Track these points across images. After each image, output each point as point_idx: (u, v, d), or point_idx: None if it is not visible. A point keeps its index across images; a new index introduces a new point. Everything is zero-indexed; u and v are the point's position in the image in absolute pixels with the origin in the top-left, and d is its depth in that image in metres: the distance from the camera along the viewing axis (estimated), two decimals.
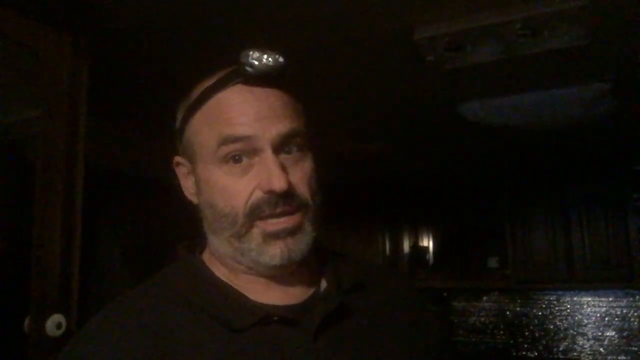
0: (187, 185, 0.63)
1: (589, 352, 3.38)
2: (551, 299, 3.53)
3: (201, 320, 0.54)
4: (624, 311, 3.32)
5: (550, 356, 3.48)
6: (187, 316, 0.55)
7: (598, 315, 3.39)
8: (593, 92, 1.88)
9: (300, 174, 0.57)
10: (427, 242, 3.94)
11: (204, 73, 0.61)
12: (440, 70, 1.63)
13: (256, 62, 0.56)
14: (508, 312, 3.64)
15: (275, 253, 0.55)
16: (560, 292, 3.49)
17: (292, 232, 0.56)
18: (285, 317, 0.56)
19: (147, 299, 0.57)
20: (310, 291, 0.61)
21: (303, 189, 0.57)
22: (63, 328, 1.08)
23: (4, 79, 1.17)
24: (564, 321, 3.48)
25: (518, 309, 3.61)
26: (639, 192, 3.15)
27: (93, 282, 1.93)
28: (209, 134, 0.57)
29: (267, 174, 0.54)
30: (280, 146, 0.56)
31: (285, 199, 0.55)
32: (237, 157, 0.56)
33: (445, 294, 3.78)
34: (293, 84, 0.60)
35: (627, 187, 3.15)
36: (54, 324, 1.07)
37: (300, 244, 0.56)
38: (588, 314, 3.42)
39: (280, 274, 0.59)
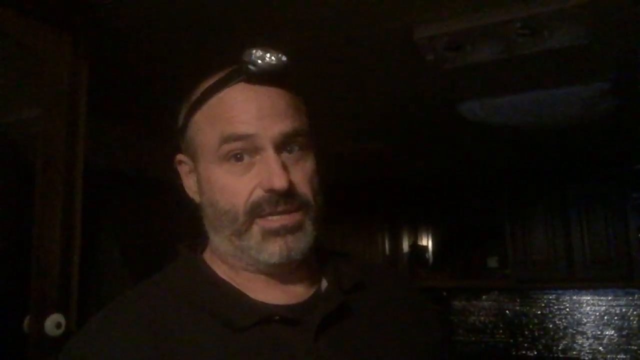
0: (189, 184, 0.63)
1: (588, 351, 3.39)
2: (551, 298, 3.53)
3: (202, 320, 0.54)
4: (624, 310, 3.33)
5: (550, 355, 3.48)
6: (188, 315, 0.55)
7: (597, 314, 3.39)
8: (593, 92, 1.88)
9: (301, 174, 0.57)
10: (427, 242, 3.94)
11: (204, 72, 0.61)
12: (440, 70, 1.63)
13: (259, 61, 0.56)
14: (508, 312, 3.64)
15: (274, 251, 0.55)
16: (560, 291, 3.50)
17: (292, 230, 0.56)
18: (286, 316, 0.56)
19: (148, 298, 0.57)
20: (311, 291, 0.61)
21: (304, 189, 0.57)
22: (62, 328, 1.08)
23: (3, 79, 1.17)
24: (564, 320, 3.48)
25: (518, 308, 3.62)
26: (638, 192, 3.15)
27: (93, 281, 1.93)
28: (210, 132, 0.57)
29: (268, 173, 0.54)
30: (282, 145, 0.56)
31: (286, 198, 0.55)
32: (238, 156, 0.56)
33: (444, 294, 3.78)
34: (296, 83, 0.60)
35: (627, 186, 3.16)
36: (54, 323, 1.07)
37: (300, 243, 0.56)
38: (588, 313, 3.42)
39: (281, 273, 0.59)
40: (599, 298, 3.39)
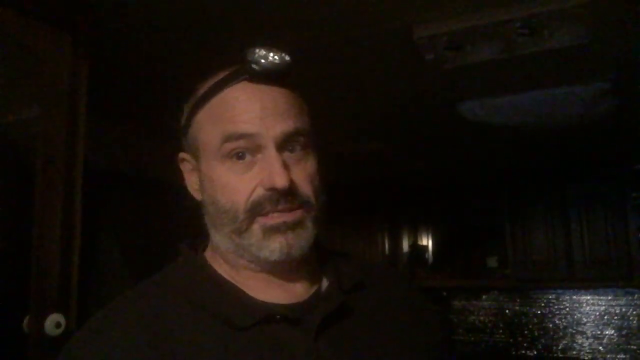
0: (191, 182, 0.63)
1: (588, 351, 3.39)
2: (550, 297, 3.53)
3: (202, 319, 0.54)
4: (623, 310, 3.33)
5: (550, 355, 3.48)
6: (188, 314, 0.55)
7: (597, 313, 3.39)
8: (593, 92, 1.88)
9: (303, 173, 0.57)
10: (427, 242, 3.94)
11: (204, 72, 0.61)
12: (440, 70, 1.63)
13: (262, 60, 0.56)
14: (507, 311, 3.64)
15: (274, 247, 0.55)
16: (559, 291, 3.50)
17: (292, 226, 0.56)
18: (286, 316, 0.56)
19: (148, 298, 0.57)
20: (311, 290, 0.61)
21: (305, 188, 0.57)
22: (62, 327, 1.08)
23: (3, 79, 1.17)
24: (564, 320, 3.48)
25: (517, 308, 3.62)
26: (638, 192, 3.15)
27: (92, 281, 1.93)
28: (213, 130, 0.57)
29: (269, 171, 0.55)
30: (284, 144, 0.56)
31: (287, 197, 0.55)
32: (240, 154, 0.56)
33: (444, 293, 3.78)
34: (299, 83, 0.60)
35: (627, 186, 3.16)
36: (53, 323, 1.07)
37: (300, 240, 0.56)
38: (587, 313, 3.42)
39: (282, 272, 0.60)
40: (599, 298, 3.39)
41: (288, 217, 0.56)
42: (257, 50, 0.56)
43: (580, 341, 3.42)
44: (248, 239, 0.56)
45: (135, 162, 2.27)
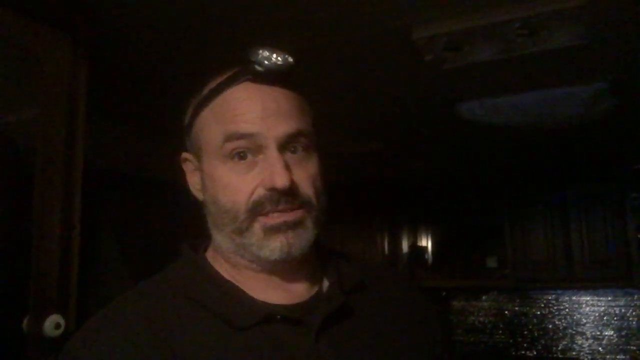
0: (193, 182, 0.64)
1: (587, 352, 3.39)
2: (550, 298, 3.53)
3: (203, 319, 0.55)
4: (623, 310, 3.33)
5: (549, 355, 3.48)
6: (189, 314, 0.55)
7: (597, 314, 3.39)
8: (593, 92, 1.88)
9: (304, 174, 0.58)
10: (426, 242, 3.94)
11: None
12: (440, 70, 1.63)
13: (266, 61, 0.56)
14: (507, 312, 3.64)
15: (275, 247, 0.56)
16: (559, 292, 3.50)
17: (293, 226, 0.56)
18: (287, 316, 0.56)
19: (149, 297, 0.57)
20: (312, 291, 0.62)
21: (306, 188, 0.57)
22: (62, 328, 1.07)
23: (3, 79, 1.17)
24: (563, 320, 3.49)
25: (517, 308, 3.62)
26: (637, 192, 3.15)
27: (92, 282, 1.93)
28: (215, 130, 0.57)
29: (270, 172, 0.55)
30: (286, 145, 0.57)
31: (287, 197, 0.55)
32: (241, 154, 0.56)
33: (444, 294, 3.78)
34: (302, 84, 0.60)
35: (626, 186, 3.16)
36: (53, 324, 1.06)
37: (301, 239, 0.57)
38: (587, 313, 3.42)
39: (282, 272, 0.60)
40: (598, 298, 3.39)
41: (288, 217, 0.56)
42: (261, 51, 0.56)
43: (579, 342, 3.42)
44: (249, 239, 0.56)
45: (135, 162, 2.27)
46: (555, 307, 3.52)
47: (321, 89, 1.82)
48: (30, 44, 1.12)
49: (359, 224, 3.77)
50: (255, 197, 0.56)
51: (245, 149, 0.56)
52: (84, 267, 1.19)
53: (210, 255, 0.63)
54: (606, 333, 3.35)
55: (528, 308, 3.59)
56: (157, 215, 2.28)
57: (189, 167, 0.64)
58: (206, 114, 0.59)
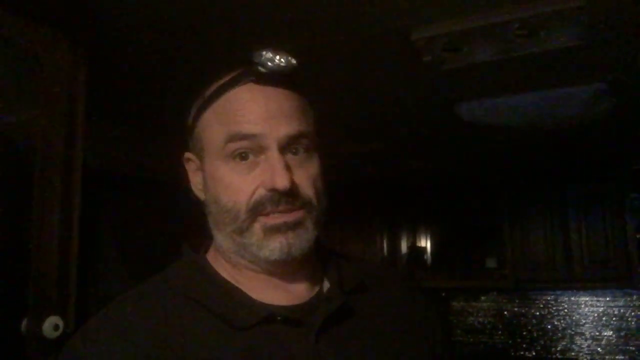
0: (195, 181, 0.64)
1: (586, 352, 3.39)
2: (549, 298, 3.53)
3: (203, 319, 0.55)
4: (622, 311, 3.33)
5: (549, 356, 3.48)
6: (189, 314, 0.55)
7: (596, 314, 3.40)
8: (592, 92, 1.88)
9: (305, 175, 0.58)
10: (425, 242, 3.94)
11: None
12: (439, 71, 1.63)
13: (269, 63, 0.57)
14: (506, 312, 3.64)
15: (275, 247, 0.56)
16: (558, 292, 3.50)
17: (293, 226, 0.56)
18: (287, 317, 0.56)
19: (149, 297, 0.58)
20: (313, 291, 0.62)
21: (307, 190, 0.58)
22: (60, 330, 1.07)
23: (2, 79, 1.17)
24: (562, 321, 3.49)
25: (516, 309, 3.62)
26: (637, 192, 3.15)
27: (91, 283, 1.93)
28: (217, 130, 0.58)
29: (271, 172, 0.55)
30: (287, 146, 0.57)
31: (288, 198, 0.56)
32: (243, 155, 0.57)
33: (443, 294, 3.78)
34: (304, 86, 0.61)
35: (626, 186, 3.16)
36: (52, 325, 1.06)
37: (300, 240, 0.57)
38: (586, 314, 3.43)
39: (283, 272, 0.60)
40: (598, 299, 3.39)
41: (288, 218, 0.56)
42: (264, 53, 0.57)
43: (579, 342, 3.42)
44: (249, 238, 0.57)
45: (135, 162, 2.26)
46: (554, 308, 3.52)
47: (320, 89, 1.82)
48: (29, 44, 1.12)
49: (359, 224, 3.77)
50: (256, 197, 0.56)
51: (247, 150, 0.56)
52: (83, 268, 1.18)
53: (211, 255, 0.63)
54: (605, 333, 3.35)
55: (527, 308, 3.59)
56: (156, 215, 2.28)
57: (191, 167, 0.64)
58: (209, 114, 0.59)
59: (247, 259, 0.59)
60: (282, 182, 0.54)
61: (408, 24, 1.39)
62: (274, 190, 0.55)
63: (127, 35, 1.41)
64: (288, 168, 0.56)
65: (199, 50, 1.50)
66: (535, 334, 3.54)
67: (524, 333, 3.57)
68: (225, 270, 0.61)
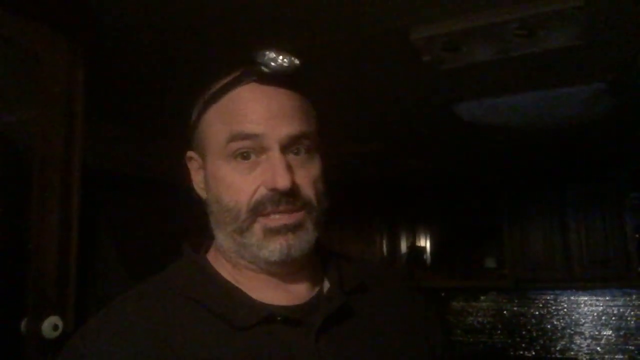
0: (197, 180, 0.64)
1: (586, 352, 3.39)
2: (548, 298, 3.53)
3: (204, 319, 0.55)
4: (621, 310, 3.33)
5: (548, 355, 3.48)
6: (189, 314, 0.55)
7: (595, 314, 3.40)
8: (592, 92, 1.88)
9: (306, 176, 0.58)
10: (425, 242, 3.94)
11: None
12: (438, 71, 1.63)
13: (272, 63, 0.57)
14: (505, 312, 3.64)
15: (275, 248, 0.56)
16: (557, 292, 3.50)
17: (293, 228, 0.57)
18: (288, 317, 0.56)
19: (149, 297, 0.58)
20: (313, 292, 0.62)
21: (308, 190, 0.58)
22: (59, 330, 1.07)
23: (1, 80, 1.17)
24: (562, 320, 3.49)
25: (515, 308, 3.62)
26: (636, 192, 3.16)
27: (90, 283, 1.93)
28: (219, 129, 0.58)
29: (272, 172, 0.55)
30: (288, 146, 0.57)
31: (289, 198, 0.56)
32: (245, 154, 0.57)
33: (443, 294, 3.78)
34: (307, 86, 0.61)
35: (625, 186, 3.16)
36: (51, 325, 1.06)
37: (300, 241, 0.57)
38: (585, 313, 3.43)
39: (283, 272, 0.60)
40: (597, 298, 3.40)
41: (288, 220, 0.56)
42: (267, 53, 0.57)
43: (578, 342, 3.42)
44: (249, 239, 0.57)
45: (134, 162, 2.26)
46: (553, 307, 3.52)
47: (320, 89, 1.82)
48: (28, 44, 1.12)
49: (358, 224, 3.77)
50: (257, 196, 0.56)
51: (249, 150, 0.57)
52: (82, 268, 1.18)
53: (211, 255, 0.64)
54: (604, 333, 3.35)
55: (526, 308, 3.59)
56: (155, 215, 2.28)
57: (193, 166, 0.65)
58: (211, 114, 0.60)
59: (247, 259, 0.59)
60: (283, 182, 0.54)
61: (407, 23, 1.39)
62: (274, 190, 0.55)
63: (126, 35, 1.41)
64: (289, 168, 0.56)
65: (199, 50, 1.50)
66: (534, 334, 3.55)
67: (524, 333, 3.58)
68: (225, 270, 0.61)
